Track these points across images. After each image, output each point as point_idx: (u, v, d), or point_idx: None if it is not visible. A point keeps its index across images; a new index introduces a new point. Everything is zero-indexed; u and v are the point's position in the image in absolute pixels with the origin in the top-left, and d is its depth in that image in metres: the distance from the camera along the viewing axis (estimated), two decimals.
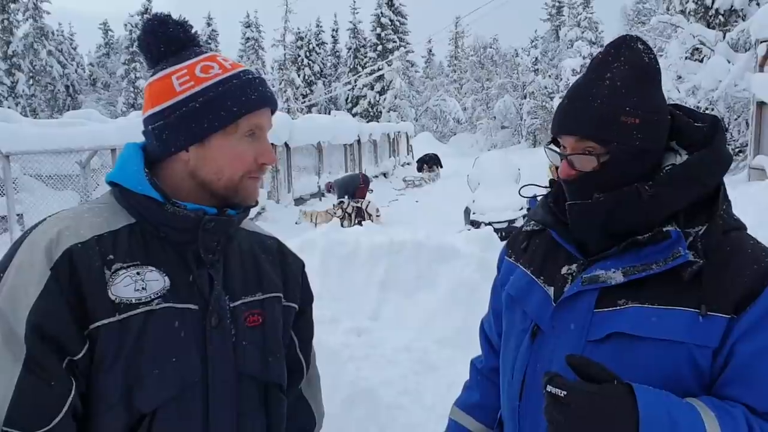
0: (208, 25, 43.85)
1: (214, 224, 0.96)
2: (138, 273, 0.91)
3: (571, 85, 1.02)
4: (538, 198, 1.13)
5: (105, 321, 0.87)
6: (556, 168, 1.02)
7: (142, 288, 0.90)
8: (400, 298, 3.92)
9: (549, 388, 0.84)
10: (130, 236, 0.93)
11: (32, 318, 0.83)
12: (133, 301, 0.89)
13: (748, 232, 0.98)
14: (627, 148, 0.93)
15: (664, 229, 0.91)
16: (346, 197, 11.66)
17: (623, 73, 0.94)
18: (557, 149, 1.02)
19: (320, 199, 14.82)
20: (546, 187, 1.13)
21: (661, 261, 0.91)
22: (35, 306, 0.84)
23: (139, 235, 0.94)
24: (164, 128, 0.95)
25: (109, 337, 0.87)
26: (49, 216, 0.95)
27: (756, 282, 0.88)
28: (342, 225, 7.40)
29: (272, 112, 1.02)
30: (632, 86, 0.93)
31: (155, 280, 0.92)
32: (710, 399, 0.87)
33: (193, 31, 1.01)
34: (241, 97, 0.95)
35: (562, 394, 0.82)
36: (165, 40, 0.97)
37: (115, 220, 0.94)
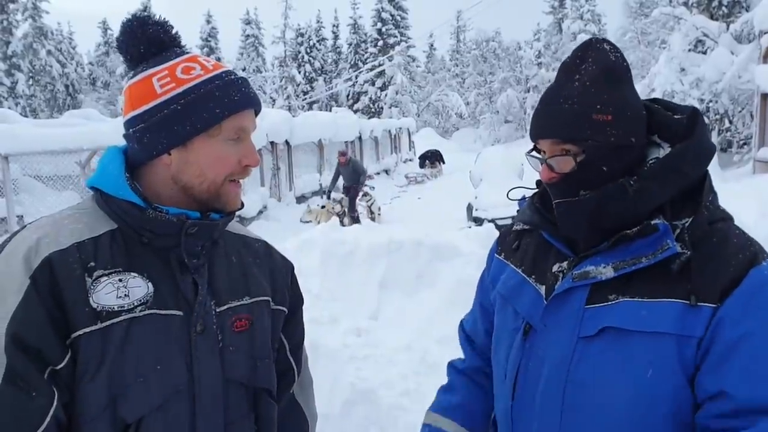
0: (208, 22, 43.71)
1: (197, 229, 0.94)
2: (120, 280, 0.89)
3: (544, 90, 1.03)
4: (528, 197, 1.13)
5: (87, 329, 0.85)
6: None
7: (125, 295, 0.88)
8: (401, 297, 3.89)
9: None
10: (112, 242, 0.91)
11: (12, 328, 0.81)
12: (116, 309, 0.87)
13: (753, 225, 0.97)
14: (602, 145, 0.94)
15: (652, 223, 0.92)
16: (350, 188, 11.43)
17: (592, 73, 0.96)
18: (538, 155, 1.03)
19: (321, 197, 14.81)
20: (533, 188, 1.13)
21: (650, 254, 0.91)
22: (14, 316, 0.82)
23: (120, 240, 0.92)
24: (145, 131, 0.92)
25: (92, 346, 0.85)
26: (29, 223, 0.94)
27: (739, 270, 0.88)
28: (342, 223, 7.38)
29: (256, 113, 1.00)
30: (602, 85, 0.95)
31: (138, 287, 0.89)
32: None
33: (173, 31, 0.98)
34: (223, 99, 0.93)
35: None
36: (145, 41, 0.95)
37: (96, 226, 0.92)
